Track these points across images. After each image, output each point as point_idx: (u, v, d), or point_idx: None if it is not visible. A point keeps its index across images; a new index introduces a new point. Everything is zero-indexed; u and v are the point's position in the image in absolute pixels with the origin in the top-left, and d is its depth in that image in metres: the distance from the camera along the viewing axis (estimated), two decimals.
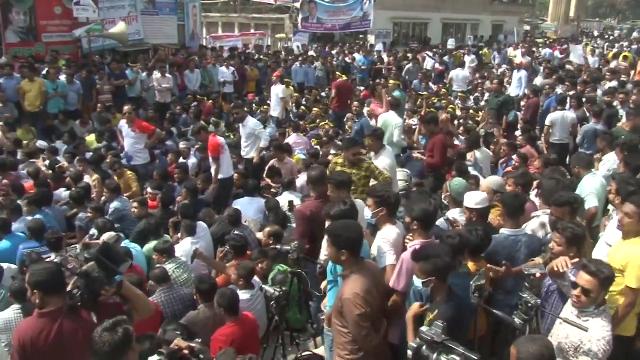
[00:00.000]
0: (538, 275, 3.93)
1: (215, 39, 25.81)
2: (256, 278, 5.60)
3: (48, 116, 12.71)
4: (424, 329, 3.17)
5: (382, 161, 7.28)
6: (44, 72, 13.29)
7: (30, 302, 3.85)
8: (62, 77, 13.21)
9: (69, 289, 3.34)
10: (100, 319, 3.16)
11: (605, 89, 12.72)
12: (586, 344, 3.52)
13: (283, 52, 22.87)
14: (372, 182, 6.67)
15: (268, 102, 14.94)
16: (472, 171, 7.81)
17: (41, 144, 11.00)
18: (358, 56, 21.49)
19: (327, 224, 4.74)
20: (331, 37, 27.84)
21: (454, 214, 5.69)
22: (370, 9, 24.79)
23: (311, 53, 21.78)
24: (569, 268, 3.85)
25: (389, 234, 4.60)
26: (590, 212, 6.05)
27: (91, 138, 11.44)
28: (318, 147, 10.93)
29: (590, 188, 6.22)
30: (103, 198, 8.18)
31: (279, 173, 9.01)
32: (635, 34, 37.95)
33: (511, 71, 17.84)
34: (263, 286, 5.23)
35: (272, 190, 8.86)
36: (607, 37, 39.28)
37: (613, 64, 18.08)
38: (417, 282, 3.85)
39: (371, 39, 27.84)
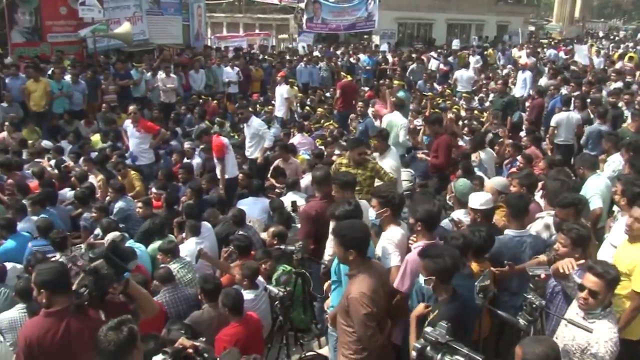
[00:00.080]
0: (543, 276, 3.93)
1: (220, 39, 25.84)
2: (260, 278, 5.60)
3: (53, 116, 12.77)
4: (428, 329, 3.17)
5: (387, 162, 7.29)
6: (49, 72, 13.34)
7: (35, 302, 3.87)
8: (67, 77, 13.26)
9: (74, 287, 3.35)
10: (106, 318, 3.17)
11: (610, 89, 12.69)
12: (593, 345, 3.49)
13: (288, 53, 22.87)
14: (377, 182, 6.68)
15: (272, 102, 14.96)
16: (477, 172, 7.81)
17: (46, 143, 11.05)
18: (362, 56, 21.51)
19: (332, 224, 4.75)
20: (336, 38, 27.84)
21: (459, 214, 5.69)
22: (375, 9, 24.72)
23: (316, 53, 21.78)
24: (574, 269, 3.83)
25: (393, 234, 4.60)
26: (594, 213, 6.04)
27: (96, 138, 11.48)
28: (322, 147, 10.93)
29: (595, 189, 6.20)
30: (108, 198, 8.20)
31: (283, 173, 9.02)
32: None
33: (516, 72, 17.80)
34: (267, 286, 5.24)
35: (277, 190, 8.87)
36: (612, 37, 39.18)
37: (618, 65, 18.01)
38: (421, 278, 3.87)
39: (376, 39, 27.82)
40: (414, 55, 22.03)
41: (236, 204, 8.05)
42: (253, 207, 7.79)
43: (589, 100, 11.17)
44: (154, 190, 8.40)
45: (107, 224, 6.67)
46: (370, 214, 5.15)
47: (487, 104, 14.87)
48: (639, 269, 4.17)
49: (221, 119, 13.13)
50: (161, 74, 14.65)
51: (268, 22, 31.31)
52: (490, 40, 31.12)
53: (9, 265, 5.87)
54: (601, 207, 6.16)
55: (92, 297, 3.29)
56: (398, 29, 30.85)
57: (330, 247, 5.18)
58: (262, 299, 5.47)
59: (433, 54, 22.66)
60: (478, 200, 5.22)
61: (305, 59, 19.15)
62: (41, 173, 8.73)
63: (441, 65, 20.39)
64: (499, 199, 5.78)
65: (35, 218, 7.06)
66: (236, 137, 11.72)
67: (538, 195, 6.34)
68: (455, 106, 14.36)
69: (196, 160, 10.17)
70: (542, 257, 4.49)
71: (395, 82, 13.34)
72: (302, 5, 25.38)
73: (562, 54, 24.12)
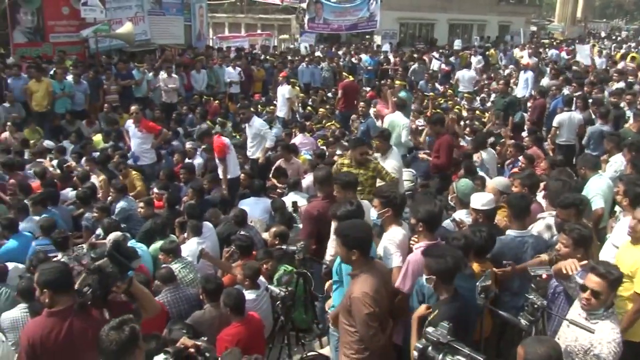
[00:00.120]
0: (544, 276, 3.92)
1: (222, 40, 25.86)
2: (262, 278, 5.60)
3: (55, 116, 12.79)
4: (429, 329, 3.17)
5: (390, 163, 7.29)
6: (51, 72, 13.36)
7: (38, 301, 3.87)
8: (69, 77, 13.29)
9: (77, 287, 3.35)
10: (110, 317, 3.17)
11: (612, 90, 12.68)
12: (596, 346, 3.48)
13: (290, 53, 22.88)
14: (379, 183, 6.67)
15: (274, 102, 14.96)
16: (478, 172, 7.80)
17: (48, 143, 11.06)
18: (364, 57, 21.51)
19: (333, 224, 4.75)
20: (337, 38, 27.86)
21: (461, 215, 5.68)
22: (377, 9, 24.78)
23: (317, 53, 21.78)
24: (577, 270, 3.83)
25: (394, 235, 4.60)
26: (596, 214, 6.03)
27: (98, 138, 11.50)
28: (324, 147, 10.93)
29: (596, 189, 6.19)
30: (109, 198, 8.21)
31: (285, 173, 9.02)
32: None
33: (517, 72, 17.79)
34: (269, 286, 5.24)
35: (278, 190, 8.87)
36: (614, 37, 39.15)
37: (620, 65, 18.00)
38: (423, 277, 3.88)
39: (377, 39, 27.85)
40: (415, 56, 22.04)
41: (238, 204, 8.05)
42: (255, 207, 7.79)
43: (590, 100, 11.16)
44: (155, 190, 8.40)
45: (109, 224, 6.67)
46: (372, 214, 5.14)
47: (488, 104, 14.87)
48: None
49: (223, 119, 13.14)
50: (163, 74, 14.66)
51: (270, 23, 31.32)
52: (492, 40, 31.16)
53: (11, 265, 5.88)
54: (603, 208, 6.15)
55: (96, 297, 3.29)
56: (400, 29, 30.89)
57: (331, 247, 5.18)
58: (264, 299, 5.47)
59: (435, 54, 22.67)
60: (480, 200, 5.22)
61: (307, 59, 19.15)
62: (43, 173, 8.74)
63: (443, 66, 20.38)
64: (501, 200, 5.78)
65: (37, 218, 7.08)
66: (238, 137, 11.73)
67: (540, 196, 6.33)
68: (457, 106, 14.35)
69: (198, 160, 10.17)
70: (544, 257, 4.48)
71: (397, 82, 13.34)
72: (304, 5, 25.43)
73: (564, 54, 24.10)
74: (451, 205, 6.41)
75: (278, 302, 5.00)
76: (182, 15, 19.86)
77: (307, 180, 8.65)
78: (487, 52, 24.43)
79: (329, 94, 16.96)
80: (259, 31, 30.02)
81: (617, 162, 7.31)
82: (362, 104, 11.46)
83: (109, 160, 9.46)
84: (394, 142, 8.45)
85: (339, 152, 9.94)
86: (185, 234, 6.81)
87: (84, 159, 9.59)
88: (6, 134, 11.08)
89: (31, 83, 12.50)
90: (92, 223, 7.34)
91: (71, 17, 16.19)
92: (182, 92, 15.31)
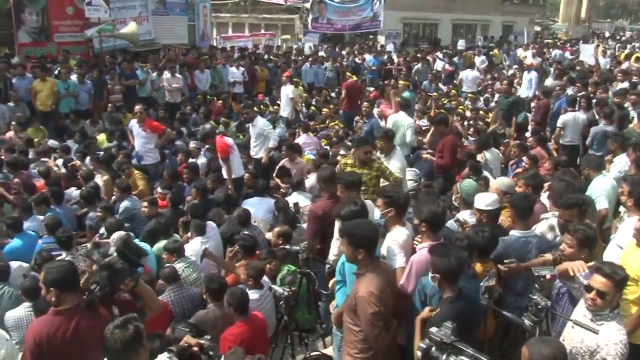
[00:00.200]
0: (548, 277, 3.91)
1: (226, 39, 25.92)
2: (265, 278, 5.61)
3: (59, 116, 12.82)
4: (433, 329, 3.17)
5: (393, 164, 7.29)
6: (56, 72, 13.39)
7: (43, 300, 3.88)
8: (74, 77, 13.32)
9: (82, 284, 3.36)
10: (119, 315, 3.19)
11: (616, 90, 12.63)
12: (603, 348, 3.46)
13: (293, 53, 22.90)
14: (383, 182, 6.67)
15: (278, 102, 14.97)
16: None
17: (52, 143, 11.08)
18: (368, 57, 21.51)
19: (337, 224, 4.75)
20: (341, 38, 27.86)
21: (464, 215, 5.68)
22: (380, 9, 24.75)
23: (321, 53, 21.79)
24: (585, 272, 3.80)
25: (398, 235, 4.59)
26: (600, 214, 6.01)
27: (102, 137, 11.52)
28: (328, 147, 10.93)
29: (600, 189, 6.18)
30: (113, 197, 8.22)
31: (289, 173, 9.02)
32: None
33: (521, 72, 17.77)
34: (272, 286, 5.24)
35: (282, 190, 8.87)
36: (618, 37, 39.04)
37: (624, 65, 17.93)
38: (425, 277, 3.91)
39: (381, 39, 27.84)
40: (419, 56, 22.03)
41: (241, 203, 8.06)
42: (258, 207, 7.79)
43: (594, 100, 11.13)
44: (159, 189, 8.41)
45: (112, 224, 6.69)
46: (376, 214, 5.14)
47: (492, 104, 14.84)
48: None
49: (226, 119, 13.15)
50: (167, 74, 14.69)
51: (273, 22, 31.36)
52: (496, 40, 31.13)
53: (15, 264, 5.89)
54: (607, 208, 6.14)
55: (104, 294, 3.31)
56: (403, 29, 30.87)
57: (335, 246, 5.18)
58: (267, 298, 5.48)
59: (438, 54, 22.66)
60: (484, 201, 5.21)
61: (310, 59, 19.15)
62: (47, 172, 8.76)
63: (446, 66, 20.38)
64: (504, 200, 5.76)
65: (41, 217, 7.09)
66: (241, 137, 11.74)
67: (544, 196, 6.32)
68: (461, 106, 14.34)
69: (201, 160, 10.18)
70: (548, 256, 4.47)
71: (401, 82, 13.33)
72: (308, 5, 25.44)
73: (567, 54, 24.05)
74: (455, 206, 6.40)
75: (281, 302, 5.00)
76: (186, 15, 19.91)
77: (311, 180, 8.65)
78: (490, 52, 24.41)
79: (333, 94, 16.97)
80: (262, 31, 30.06)
81: (621, 163, 7.29)
82: (365, 104, 11.46)
83: (113, 160, 9.47)
84: (397, 142, 8.45)
85: (342, 152, 9.95)
86: (189, 234, 6.82)
87: (88, 158, 9.61)
88: (11, 134, 11.11)
89: (36, 83, 12.54)
90: (95, 222, 7.34)
91: (75, 17, 16.22)
92: (186, 91, 15.34)
